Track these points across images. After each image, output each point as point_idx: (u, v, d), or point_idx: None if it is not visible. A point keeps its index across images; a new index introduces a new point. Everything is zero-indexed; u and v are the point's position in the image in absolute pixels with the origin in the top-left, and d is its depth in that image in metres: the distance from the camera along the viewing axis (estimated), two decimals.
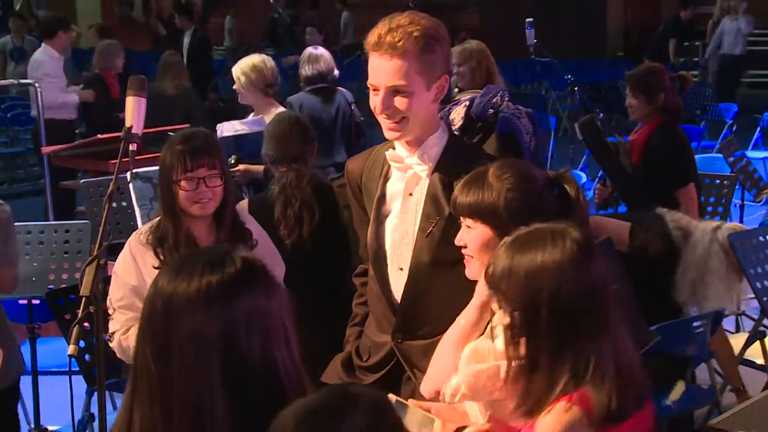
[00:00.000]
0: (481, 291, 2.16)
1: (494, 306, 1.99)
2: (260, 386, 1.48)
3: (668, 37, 12.95)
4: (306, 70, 5.51)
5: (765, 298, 4.11)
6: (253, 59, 5.09)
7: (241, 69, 5.06)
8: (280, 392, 1.48)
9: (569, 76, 7.24)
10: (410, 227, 2.50)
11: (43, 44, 7.89)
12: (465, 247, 2.26)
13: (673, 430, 4.11)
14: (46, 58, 7.73)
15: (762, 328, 4.25)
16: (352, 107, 5.60)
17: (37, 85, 7.09)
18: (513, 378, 1.93)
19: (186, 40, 10.80)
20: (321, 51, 5.56)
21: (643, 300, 3.71)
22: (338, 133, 5.45)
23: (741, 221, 6.56)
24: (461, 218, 2.28)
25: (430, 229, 2.44)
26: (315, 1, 19.20)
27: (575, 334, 1.88)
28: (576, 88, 7.29)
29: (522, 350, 1.90)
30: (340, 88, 5.73)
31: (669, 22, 13.55)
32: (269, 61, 5.09)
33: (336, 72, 5.55)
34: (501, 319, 1.96)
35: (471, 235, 2.25)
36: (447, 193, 2.42)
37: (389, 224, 2.54)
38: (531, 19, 6.62)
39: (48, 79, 7.53)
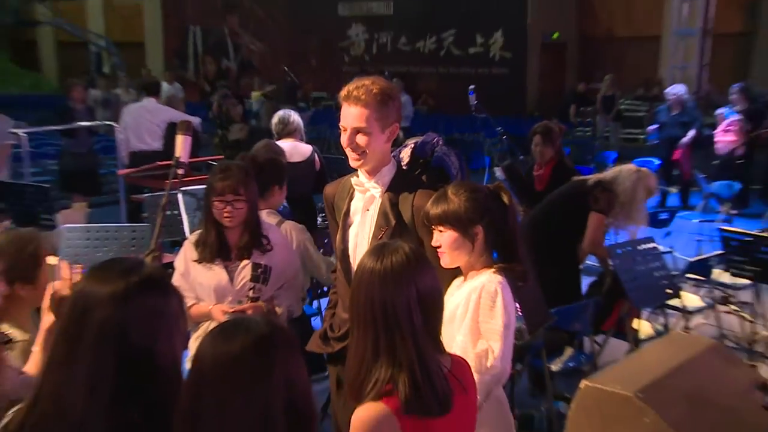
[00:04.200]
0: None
1: None
2: (141, 367, 1.38)
3: (570, 103, 13.15)
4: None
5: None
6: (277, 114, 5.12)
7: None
8: (158, 376, 1.40)
9: (500, 128, 7.26)
10: (366, 234, 2.48)
11: (152, 99, 7.79)
12: (440, 246, 2.28)
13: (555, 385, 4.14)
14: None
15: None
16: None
17: (116, 126, 7.01)
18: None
19: None
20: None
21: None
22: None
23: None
24: (434, 226, 2.29)
25: (381, 235, 2.42)
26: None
27: (391, 335, 1.65)
28: (505, 137, 7.31)
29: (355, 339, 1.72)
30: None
31: (570, 93, 13.78)
32: (274, 117, 5.10)
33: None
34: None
35: (443, 237, 2.27)
36: (394, 210, 2.43)
37: (352, 231, 2.52)
38: (473, 86, 6.70)
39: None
